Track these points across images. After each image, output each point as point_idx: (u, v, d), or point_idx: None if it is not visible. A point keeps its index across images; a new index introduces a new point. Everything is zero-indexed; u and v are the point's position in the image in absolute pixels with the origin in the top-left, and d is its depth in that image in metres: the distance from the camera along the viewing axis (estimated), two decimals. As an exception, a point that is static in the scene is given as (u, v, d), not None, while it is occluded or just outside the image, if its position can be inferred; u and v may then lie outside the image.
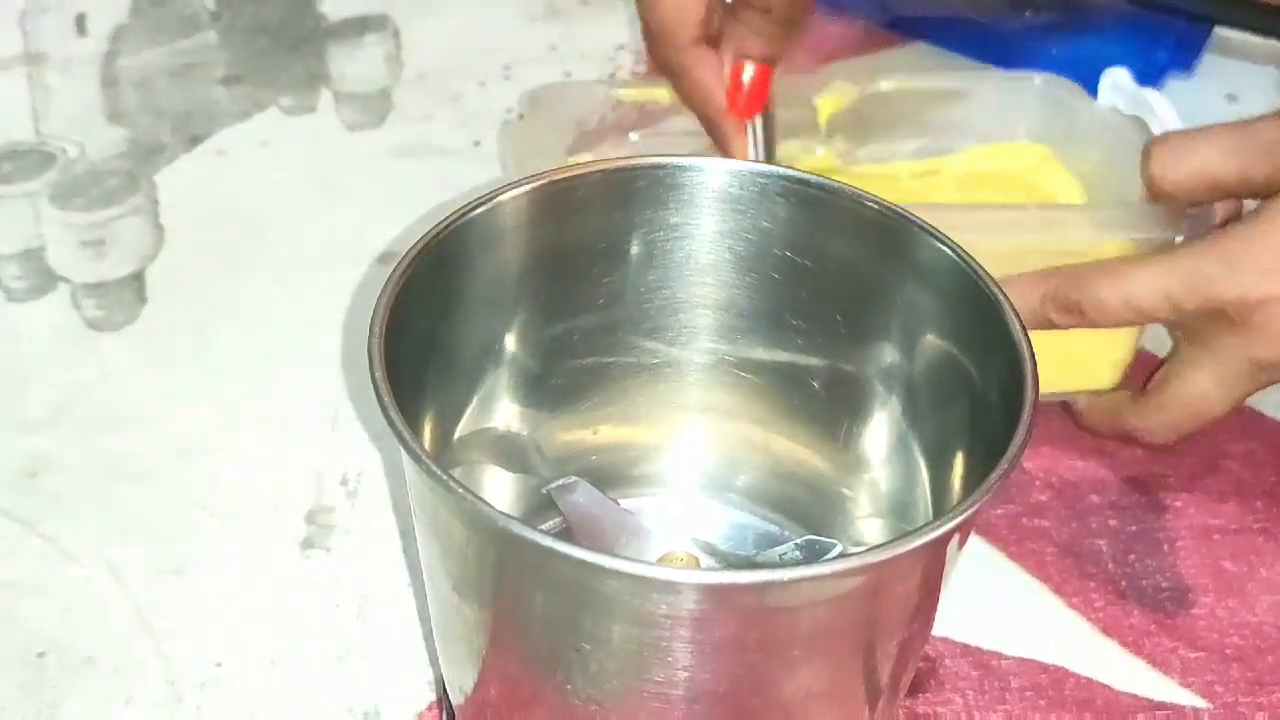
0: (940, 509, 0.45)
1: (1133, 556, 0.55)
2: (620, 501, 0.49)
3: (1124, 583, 0.54)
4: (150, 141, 0.75)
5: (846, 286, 0.46)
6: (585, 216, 0.46)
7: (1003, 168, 0.64)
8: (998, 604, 0.53)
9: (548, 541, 0.34)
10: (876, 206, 0.45)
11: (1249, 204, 0.54)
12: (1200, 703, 0.50)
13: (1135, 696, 0.50)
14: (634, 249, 0.47)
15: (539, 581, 0.37)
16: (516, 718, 0.42)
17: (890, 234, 0.44)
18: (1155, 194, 0.55)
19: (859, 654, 0.39)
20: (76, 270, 0.67)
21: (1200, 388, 0.53)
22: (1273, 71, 0.81)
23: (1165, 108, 0.59)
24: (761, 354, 0.49)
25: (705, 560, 0.48)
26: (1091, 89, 0.77)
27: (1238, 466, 0.58)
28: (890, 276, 0.45)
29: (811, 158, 0.62)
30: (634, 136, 0.61)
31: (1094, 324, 0.53)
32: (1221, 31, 0.81)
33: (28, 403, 0.60)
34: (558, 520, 0.49)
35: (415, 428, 0.37)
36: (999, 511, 0.56)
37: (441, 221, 0.43)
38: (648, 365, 0.49)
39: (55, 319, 0.65)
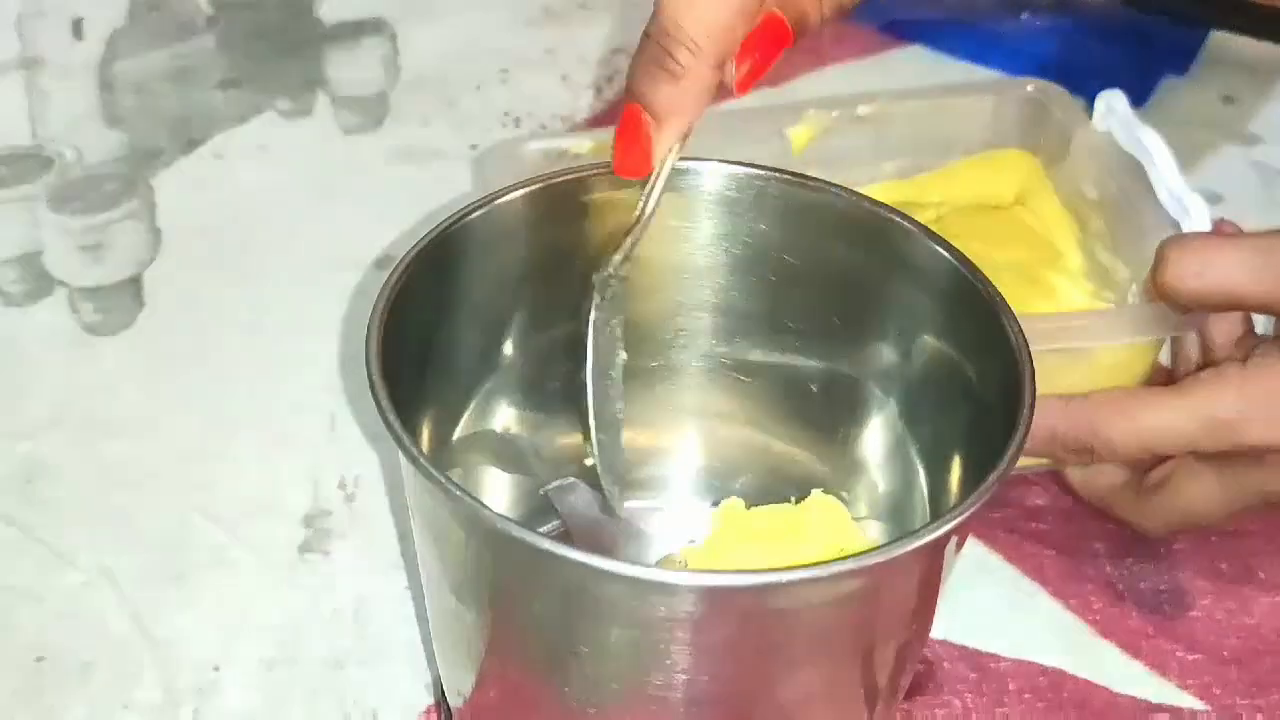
0: (938, 511, 0.45)
1: (1130, 559, 0.55)
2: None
3: (1122, 585, 0.54)
4: (148, 145, 0.75)
5: (844, 289, 0.46)
6: (582, 219, 0.46)
7: (988, 193, 0.62)
8: (996, 606, 0.53)
9: (546, 544, 0.34)
10: (874, 209, 0.45)
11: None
12: (1198, 705, 0.50)
13: (1133, 698, 0.50)
14: (631, 252, 0.47)
15: (537, 584, 0.37)
16: (515, 721, 0.42)
17: (888, 237, 0.44)
18: (1163, 296, 0.51)
19: (857, 656, 0.39)
20: (74, 274, 0.67)
21: (1204, 502, 0.51)
22: (1269, 74, 0.81)
23: (1162, 153, 0.56)
24: (759, 357, 0.49)
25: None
26: (1088, 92, 0.77)
27: (1235, 468, 0.58)
28: (887, 279, 0.45)
29: None
30: None
31: (1104, 460, 0.51)
32: (1217, 34, 0.81)
33: (25, 407, 0.60)
34: (556, 523, 0.48)
35: (413, 431, 0.37)
36: (996, 514, 0.56)
37: (439, 225, 0.43)
38: (645, 368, 0.49)
39: (53, 323, 0.65)
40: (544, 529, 0.48)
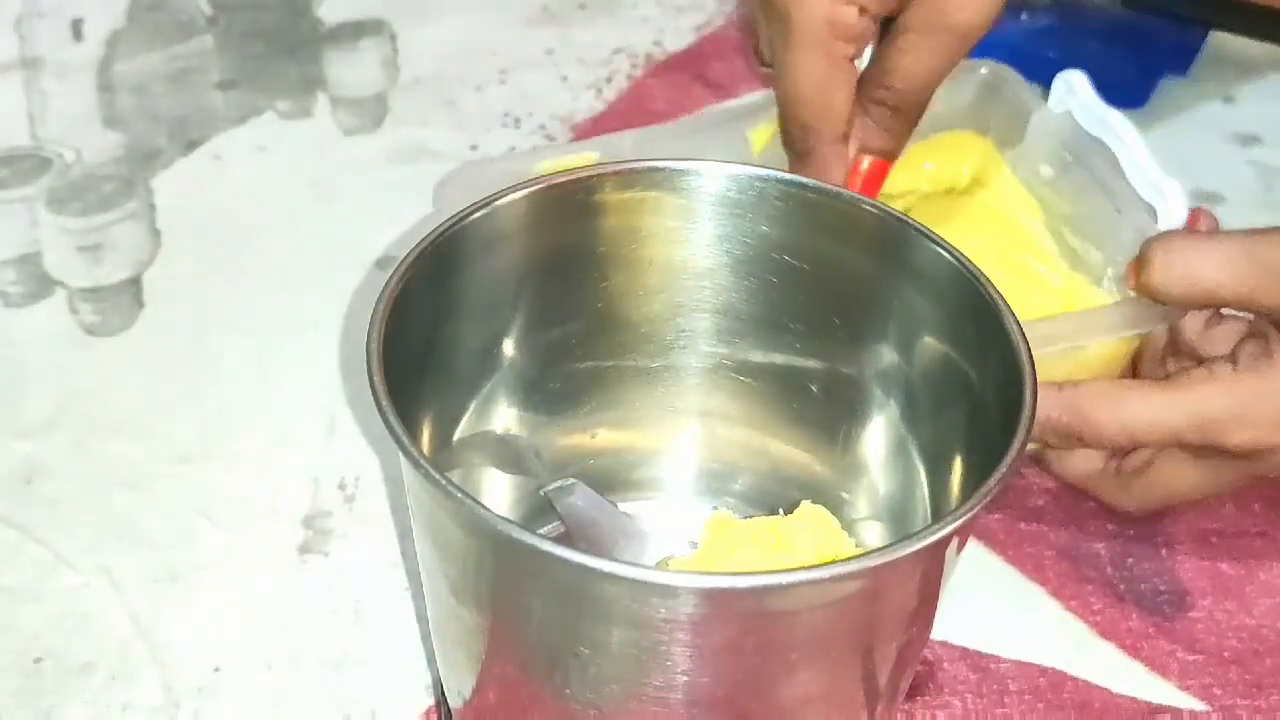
0: (939, 513, 0.45)
1: (1130, 560, 0.55)
2: (618, 505, 0.49)
3: (1122, 586, 0.54)
4: (147, 146, 0.75)
5: (844, 290, 0.46)
6: (583, 220, 0.46)
7: (945, 177, 0.61)
8: (996, 607, 0.53)
9: (545, 545, 0.34)
10: (874, 210, 0.45)
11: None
12: (1199, 705, 0.50)
13: (1134, 699, 0.50)
14: (631, 253, 0.47)
15: (537, 585, 0.37)
16: (515, 722, 0.42)
17: (888, 238, 0.44)
18: (1144, 293, 0.52)
19: (858, 658, 0.39)
20: (73, 275, 0.67)
21: (1186, 483, 0.52)
22: (1268, 74, 0.81)
23: (1132, 136, 0.56)
24: (759, 358, 0.49)
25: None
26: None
27: (1235, 469, 0.58)
28: (888, 280, 0.45)
29: None
30: None
31: (1091, 447, 0.52)
32: (1217, 34, 0.81)
33: (24, 408, 0.60)
34: (556, 524, 0.48)
35: (413, 432, 0.37)
36: (997, 515, 0.56)
37: (439, 226, 0.43)
38: (645, 369, 0.49)
39: (52, 324, 0.64)
40: (544, 530, 0.48)
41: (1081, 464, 0.55)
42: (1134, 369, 0.56)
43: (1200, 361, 0.52)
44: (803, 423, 0.50)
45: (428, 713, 0.49)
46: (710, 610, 0.36)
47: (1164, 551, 0.55)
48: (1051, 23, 0.81)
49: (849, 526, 0.49)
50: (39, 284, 0.66)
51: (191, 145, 0.75)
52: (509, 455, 0.49)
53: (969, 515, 0.36)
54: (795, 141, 0.54)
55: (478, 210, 0.43)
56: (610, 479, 0.51)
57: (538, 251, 0.46)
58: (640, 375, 0.49)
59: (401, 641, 0.52)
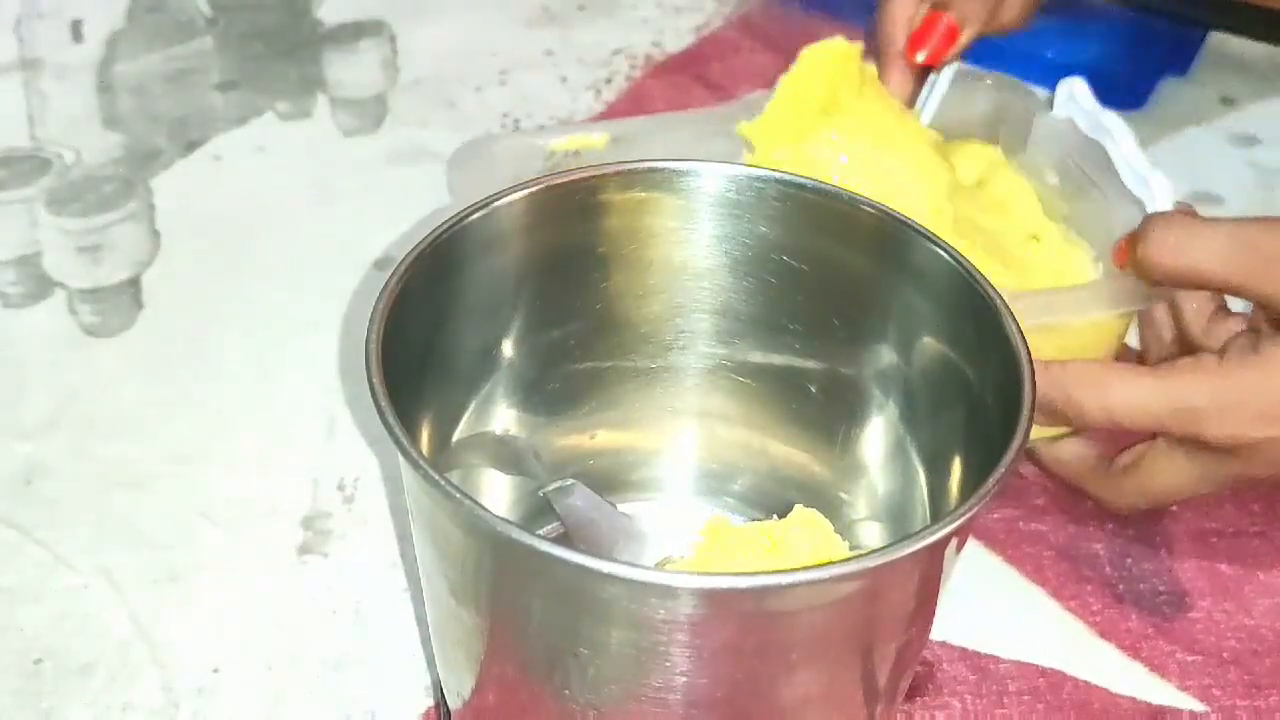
0: (938, 513, 0.45)
1: (1130, 560, 0.55)
2: (617, 506, 0.49)
3: (1121, 586, 0.54)
4: (146, 147, 0.75)
5: (843, 291, 0.46)
6: (582, 221, 0.46)
7: (950, 181, 0.62)
8: (995, 608, 0.53)
9: (545, 546, 0.34)
10: (873, 211, 0.45)
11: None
12: (1198, 706, 0.50)
13: (1133, 700, 0.50)
14: (631, 253, 0.47)
15: (536, 586, 0.37)
16: (514, 723, 0.42)
17: (887, 238, 0.44)
18: (1138, 269, 0.52)
19: (857, 658, 0.39)
20: (73, 276, 0.67)
21: (1176, 481, 0.52)
22: (1268, 74, 0.81)
23: (1123, 132, 0.57)
24: (758, 358, 0.49)
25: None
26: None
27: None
28: (887, 281, 0.45)
29: None
30: None
31: (1073, 426, 0.52)
32: (1217, 35, 0.81)
33: (23, 409, 0.60)
34: (555, 524, 0.48)
35: (412, 432, 0.37)
36: (996, 516, 0.56)
37: (438, 226, 0.43)
38: (645, 370, 0.49)
39: (51, 325, 0.65)
40: (543, 531, 0.48)
41: (1073, 459, 0.55)
42: (1141, 362, 0.57)
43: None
44: (802, 423, 0.50)
45: (427, 713, 0.49)
46: (710, 611, 0.36)
47: (1163, 552, 0.55)
48: (1051, 23, 0.81)
49: (849, 527, 0.49)
50: (39, 285, 0.66)
51: (191, 146, 0.75)
52: (508, 456, 0.49)
53: (968, 515, 0.36)
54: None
55: (478, 210, 0.43)
56: (609, 480, 0.51)
57: (537, 252, 0.46)
58: (639, 376, 0.49)
59: (401, 642, 0.52)
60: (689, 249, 0.47)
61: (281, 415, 0.60)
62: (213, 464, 0.58)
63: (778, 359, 0.49)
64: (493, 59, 0.82)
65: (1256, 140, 0.76)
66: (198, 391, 0.61)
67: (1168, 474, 0.52)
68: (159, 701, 0.49)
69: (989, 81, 0.63)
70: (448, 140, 0.75)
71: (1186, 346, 0.55)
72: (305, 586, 0.53)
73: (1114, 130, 0.57)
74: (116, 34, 0.83)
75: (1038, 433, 0.54)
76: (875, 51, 0.61)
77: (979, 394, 0.42)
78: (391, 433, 0.37)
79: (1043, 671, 0.51)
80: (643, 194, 0.46)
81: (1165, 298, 0.54)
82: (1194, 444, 0.50)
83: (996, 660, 0.51)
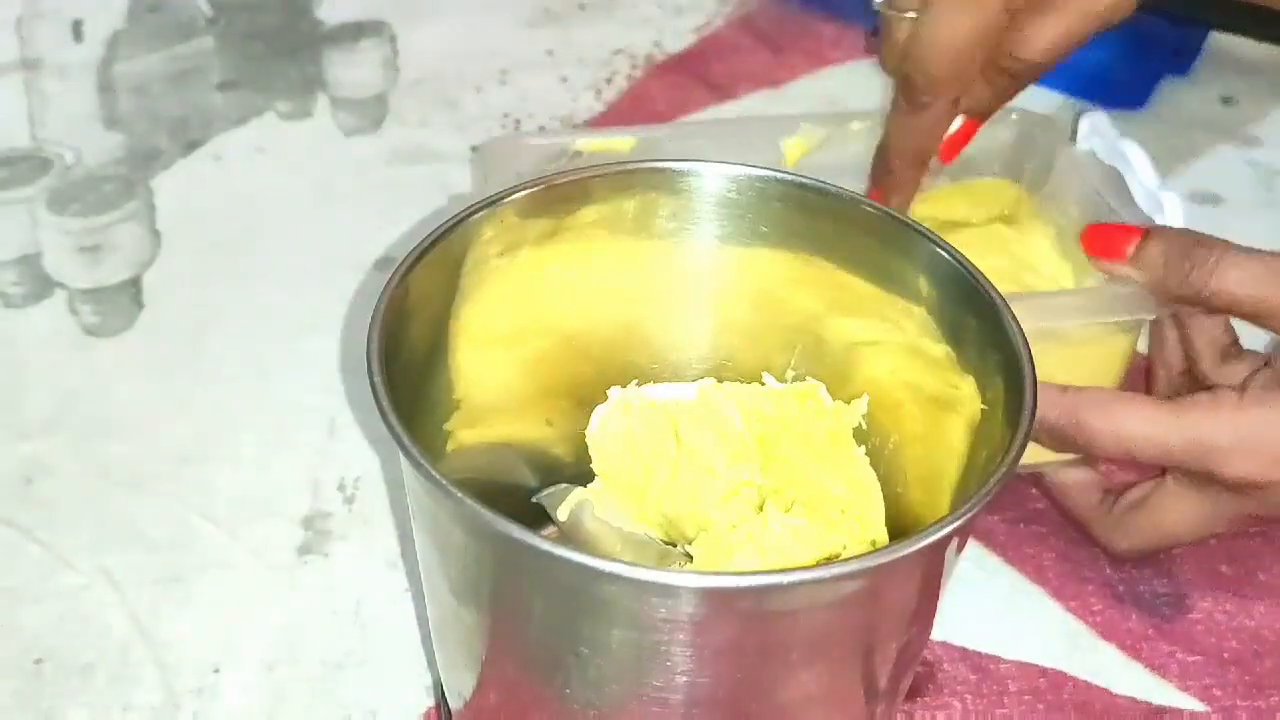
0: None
1: (1130, 561, 0.54)
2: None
3: (1122, 587, 0.54)
4: (147, 147, 0.75)
5: (844, 291, 0.46)
6: (582, 221, 0.46)
7: (967, 216, 0.61)
8: (996, 608, 0.53)
9: (546, 545, 0.34)
10: (874, 211, 0.45)
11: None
12: (1198, 706, 0.50)
13: (1133, 700, 0.50)
14: (631, 253, 0.47)
15: (537, 586, 0.37)
16: (515, 723, 0.42)
17: (888, 238, 0.44)
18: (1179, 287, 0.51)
19: (858, 658, 0.39)
20: (73, 276, 0.67)
21: (1186, 520, 0.51)
22: (1268, 74, 0.81)
23: (1139, 157, 0.57)
24: (758, 360, 0.49)
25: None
26: (1088, 93, 0.77)
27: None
28: (888, 281, 0.45)
29: None
30: None
31: (1083, 453, 0.51)
32: (1218, 35, 0.81)
33: (24, 409, 0.60)
34: (550, 529, 0.48)
35: (413, 432, 0.37)
36: (997, 516, 0.56)
37: (439, 226, 0.43)
38: (645, 370, 0.49)
39: (52, 325, 0.65)
40: (544, 533, 0.48)
41: (1077, 489, 0.54)
42: (1148, 388, 0.56)
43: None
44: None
45: (428, 713, 0.49)
46: (710, 610, 0.36)
47: (1163, 553, 0.55)
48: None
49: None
50: (39, 285, 0.66)
51: (192, 146, 0.75)
52: (508, 457, 0.49)
53: (969, 515, 0.36)
54: (917, 90, 0.56)
55: (478, 210, 0.43)
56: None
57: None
58: (639, 377, 0.49)
59: (401, 642, 0.52)
60: (689, 249, 0.47)
61: (281, 415, 0.60)
62: (213, 464, 0.58)
63: (779, 360, 0.49)
64: (493, 59, 0.82)
65: (1256, 140, 0.77)
66: (198, 391, 0.61)
67: (1177, 512, 0.50)
68: (159, 701, 0.49)
69: (1014, 116, 0.62)
70: (448, 140, 0.76)
71: (1196, 382, 0.54)
72: (305, 586, 0.53)
73: (1130, 156, 0.57)
74: (117, 34, 0.83)
75: (1044, 456, 0.53)
76: (879, 59, 0.60)
77: (980, 393, 0.42)
78: (393, 433, 0.37)
79: (1043, 672, 0.51)
80: (643, 193, 0.46)
81: (1169, 311, 0.53)
82: (1206, 481, 0.49)
83: (997, 660, 0.51)
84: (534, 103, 0.79)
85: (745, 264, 0.47)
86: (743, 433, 0.46)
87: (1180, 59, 0.80)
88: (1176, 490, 0.50)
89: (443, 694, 0.48)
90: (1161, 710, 0.50)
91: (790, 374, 0.48)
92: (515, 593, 0.38)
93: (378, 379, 0.38)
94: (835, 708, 0.40)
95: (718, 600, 0.35)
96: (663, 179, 0.46)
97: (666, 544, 0.48)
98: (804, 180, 0.45)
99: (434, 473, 0.35)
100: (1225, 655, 0.52)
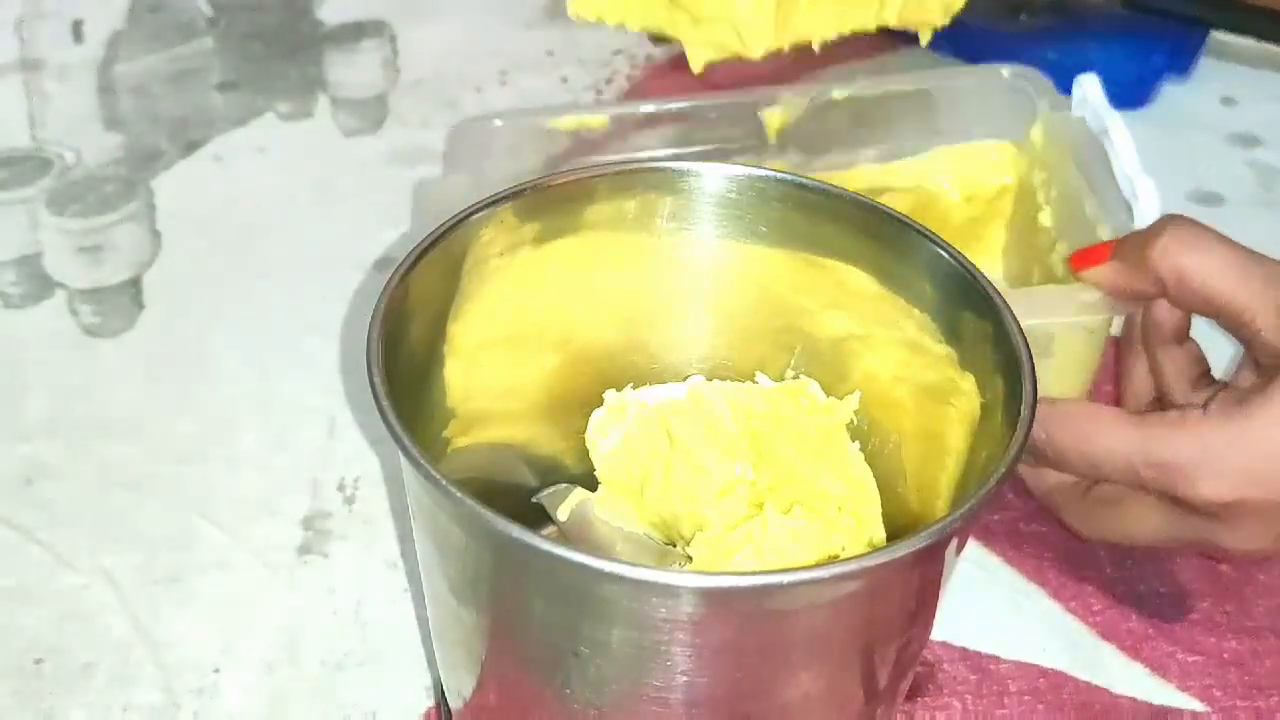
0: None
1: (1130, 561, 0.54)
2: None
3: (1122, 587, 0.54)
4: (147, 147, 0.75)
5: (844, 291, 0.46)
6: (582, 221, 0.46)
7: (966, 179, 0.61)
8: (996, 608, 0.53)
9: (546, 545, 0.34)
10: (874, 211, 0.45)
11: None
12: (1199, 706, 0.50)
13: (1133, 700, 0.50)
14: (631, 253, 0.47)
15: (537, 585, 0.37)
16: (515, 723, 0.42)
17: (888, 238, 0.44)
18: (1140, 268, 0.50)
19: (857, 658, 0.39)
20: (73, 276, 0.67)
21: (1152, 529, 0.50)
22: (1268, 74, 0.81)
23: (1122, 136, 0.56)
24: (757, 360, 0.49)
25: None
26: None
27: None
28: (887, 280, 0.45)
29: None
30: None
31: (1053, 467, 0.51)
32: (1218, 35, 0.81)
33: (24, 409, 0.60)
34: (550, 529, 0.48)
35: (413, 432, 0.37)
36: (997, 516, 0.56)
37: (439, 226, 0.43)
38: (645, 371, 0.49)
39: (52, 325, 0.65)
40: (544, 533, 0.48)
41: (1051, 478, 0.53)
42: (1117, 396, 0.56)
43: None
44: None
45: (428, 713, 0.49)
46: (710, 610, 0.36)
47: (1163, 553, 0.55)
48: (1051, 23, 0.81)
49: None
50: (39, 285, 0.66)
51: (192, 146, 0.75)
52: (508, 457, 0.49)
53: (969, 515, 0.36)
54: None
55: (478, 210, 0.43)
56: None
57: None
58: (639, 377, 0.49)
59: (401, 642, 0.52)
60: (689, 249, 0.47)
61: (281, 415, 0.60)
62: (213, 464, 0.58)
63: (778, 361, 0.49)
64: (493, 59, 0.82)
65: (1256, 140, 0.76)
66: (198, 391, 0.61)
67: (1146, 521, 0.50)
68: (159, 701, 0.49)
69: (1005, 75, 0.62)
70: (448, 140, 0.76)
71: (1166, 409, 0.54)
72: (306, 586, 0.53)
73: (1113, 132, 0.57)
74: (117, 34, 0.83)
75: None
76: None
77: (980, 394, 0.42)
78: (394, 433, 0.37)
79: (1043, 672, 0.51)
80: (643, 194, 0.46)
81: (1134, 309, 0.52)
82: (1172, 501, 0.48)
83: (997, 660, 0.51)
84: (534, 103, 0.79)
85: (745, 264, 0.47)
86: (734, 430, 0.46)
87: (1180, 59, 0.80)
88: (1148, 500, 0.49)
89: (443, 694, 0.48)
90: (1162, 710, 0.50)
91: (790, 374, 0.48)
92: (515, 593, 0.38)
93: (377, 379, 0.38)
94: (835, 708, 0.40)
95: (717, 600, 0.35)
96: (662, 179, 0.46)
97: (666, 544, 0.48)
98: (804, 180, 0.45)
99: (434, 473, 0.35)
100: (1225, 655, 0.52)
